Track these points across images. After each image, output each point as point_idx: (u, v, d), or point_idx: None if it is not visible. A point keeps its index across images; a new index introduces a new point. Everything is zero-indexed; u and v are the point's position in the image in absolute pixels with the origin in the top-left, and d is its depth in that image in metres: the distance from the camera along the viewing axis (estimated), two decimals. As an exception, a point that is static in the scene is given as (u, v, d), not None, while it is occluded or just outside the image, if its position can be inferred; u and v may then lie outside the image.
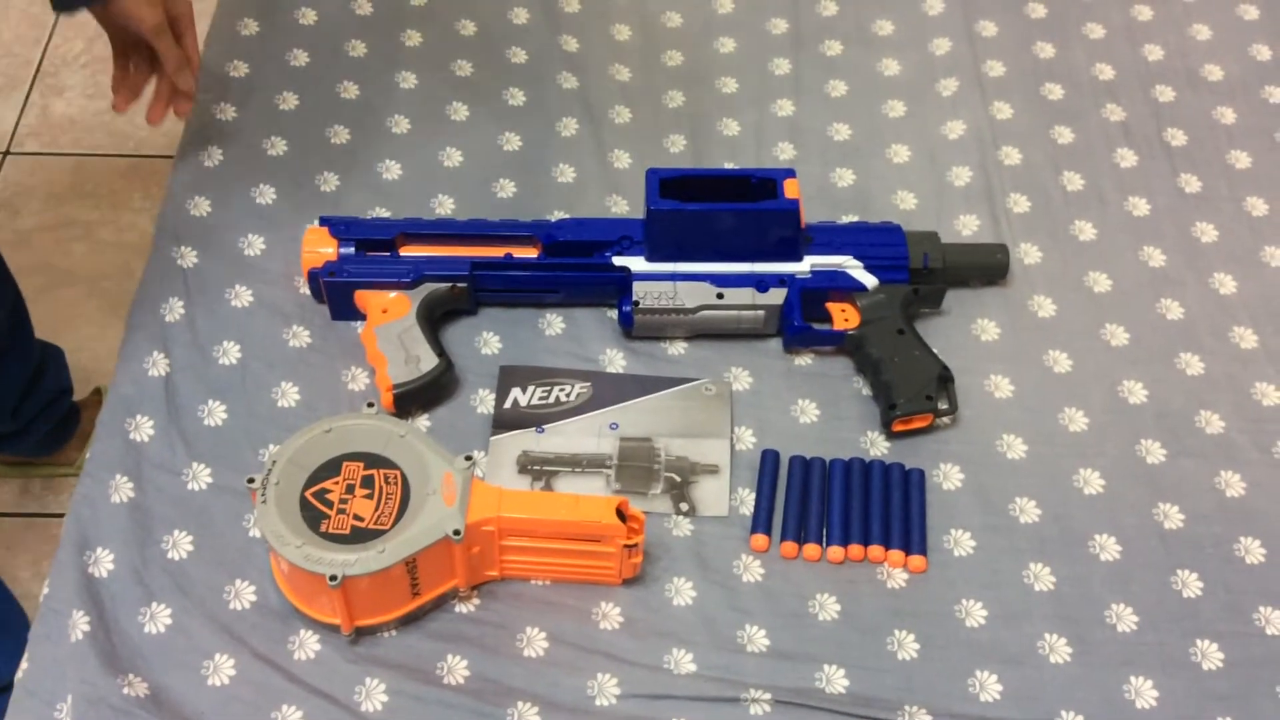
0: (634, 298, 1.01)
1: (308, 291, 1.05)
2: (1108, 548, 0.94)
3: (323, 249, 1.02)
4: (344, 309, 1.03)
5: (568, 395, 1.00)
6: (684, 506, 0.95)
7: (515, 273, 1.03)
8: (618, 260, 1.02)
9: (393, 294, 1.01)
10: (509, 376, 1.01)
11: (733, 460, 0.98)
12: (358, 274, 1.01)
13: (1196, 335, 1.07)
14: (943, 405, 0.99)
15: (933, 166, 1.18)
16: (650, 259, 1.02)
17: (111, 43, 1.03)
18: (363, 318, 1.02)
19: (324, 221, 1.04)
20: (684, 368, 1.03)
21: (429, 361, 0.98)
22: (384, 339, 0.99)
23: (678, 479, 0.96)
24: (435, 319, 1.02)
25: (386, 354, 0.98)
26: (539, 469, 0.96)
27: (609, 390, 1.01)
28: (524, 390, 1.00)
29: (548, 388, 1.00)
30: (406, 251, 1.03)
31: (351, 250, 1.02)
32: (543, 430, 0.98)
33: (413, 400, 0.98)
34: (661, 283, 1.02)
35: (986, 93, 1.24)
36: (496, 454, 0.97)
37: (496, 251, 1.03)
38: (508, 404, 1.00)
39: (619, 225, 1.04)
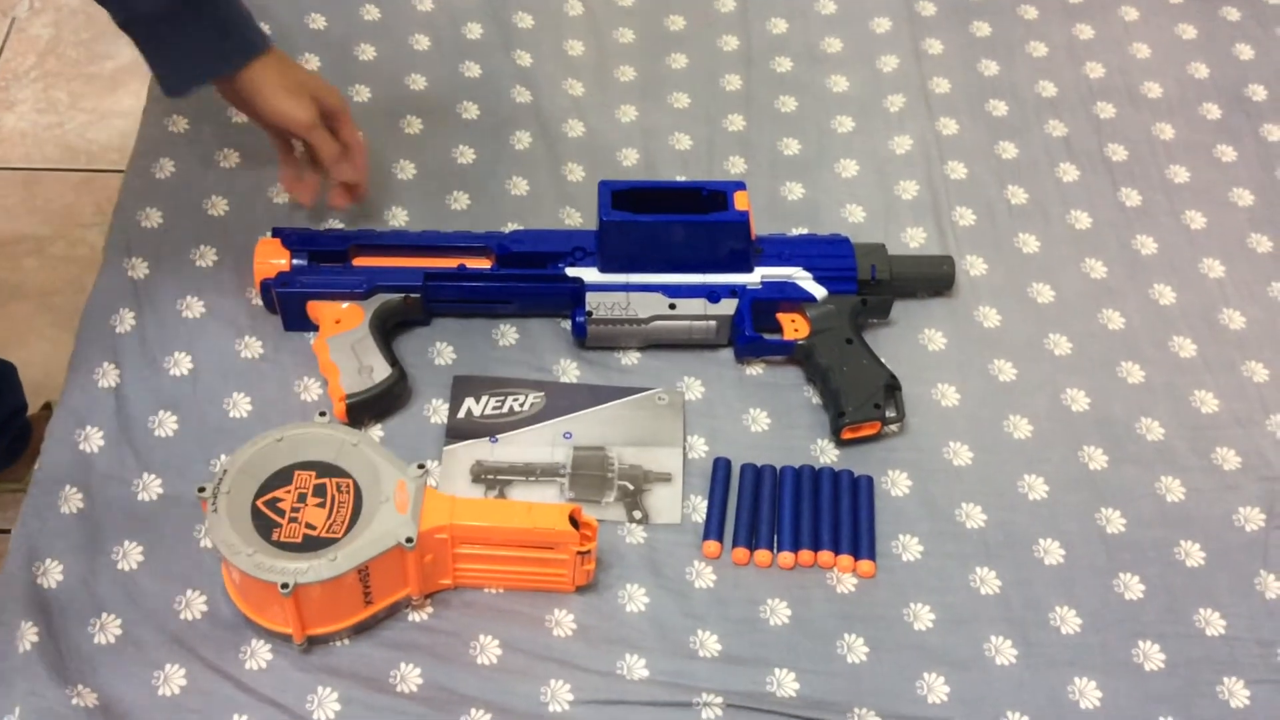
0: (587, 308, 1.02)
1: (260, 302, 1.05)
2: (1052, 552, 0.96)
3: (275, 260, 1.02)
4: (296, 319, 1.03)
5: (521, 405, 1.01)
6: (637, 514, 0.96)
7: (469, 284, 1.03)
8: (571, 271, 1.03)
9: (345, 305, 1.01)
10: (462, 386, 1.02)
11: (685, 468, 0.99)
12: (310, 285, 1.01)
13: (1137, 345, 1.09)
14: (890, 414, 1.00)
15: (880, 180, 1.20)
16: (603, 270, 1.03)
17: (267, 133, 1.04)
18: (315, 328, 1.02)
19: (276, 232, 1.04)
20: (637, 377, 1.04)
21: (381, 371, 0.98)
22: (336, 349, 0.99)
23: (631, 487, 0.97)
24: (388, 329, 1.03)
25: (339, 364, 0.98)
26: (493, 478, 0.97)
27: (562, 400, 1.01)
28: (477, 400, 1.01)
29: (501, 398, 1.01)
30: (360, 263, 1.03)
31: (304, 261, 1.02)
32: (496, 440, 0.99)
33: (366, 410, 0.98)
34: (614, 293, 1.03)
35: (933, 109, 1.26)
36: (450, 464, 0.97)
37: (450, 262, 1.03)
38: (461, 414, 1.00)
39: (572, 236, 1.05)
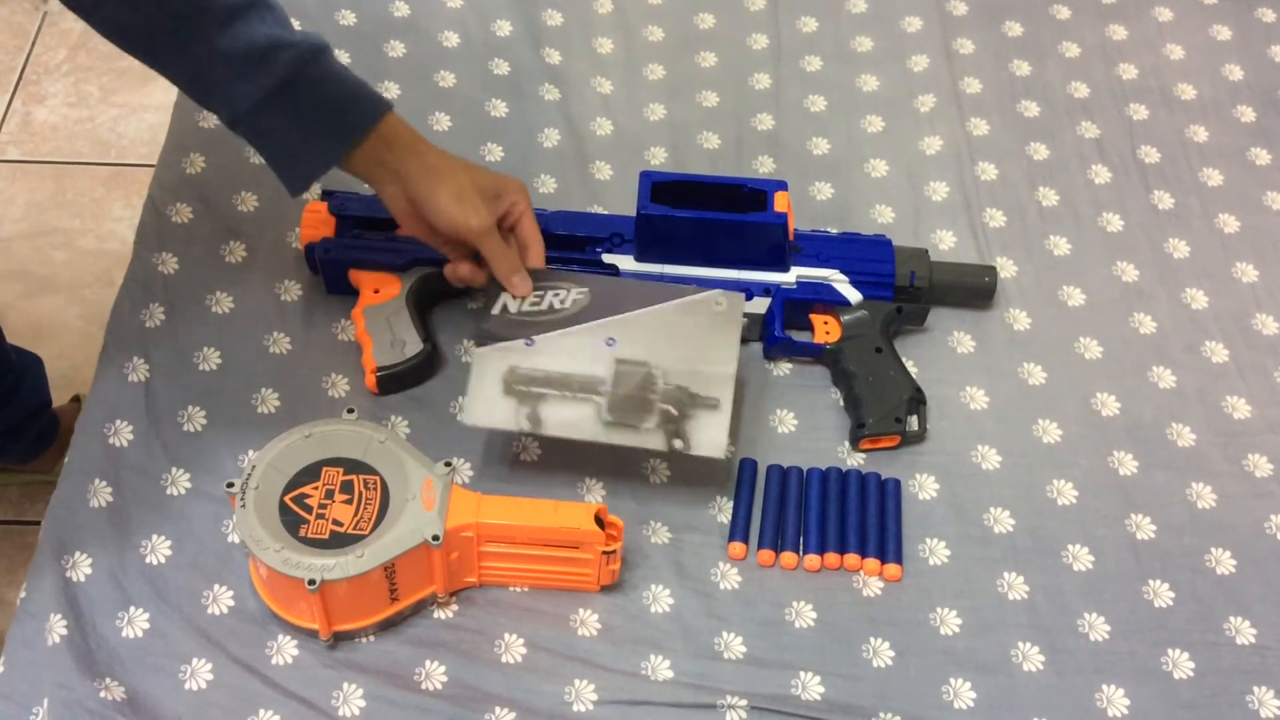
0: None
1: (288, 299, 1.05)
2: (1080, 558, 0.95)
3: (321, 224, 1.03)
4: (338, 284, 1.04)
5: (562, 302, 0.94)
6: (677, 443, 0.90)
7: None
8: (607, 258, 1.03)
9: (385, 275, 1.02)
10: None
11: (711, 467, 0.97)
12: (351, 254, 1.02)
13: (1169, 349, 1.08)
14: (912, 428, 1.00)
15: (910, 181, 1.19)
16: (638, 259, 1.03)
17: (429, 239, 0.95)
18: (357, 292, 1.03)
19: (325, 195, 1.05)
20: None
21: (414, 346, 0.99)
22: (371, 320, 1.00)
23: (674, 412, 0.91)
24: (426, 301, 1.03)
25: (373, 335, 0.99)
26: (525, 390, 0.91)
27: (608, 299, 0.94)
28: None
29: (541, 292, 0.94)
30: (404, 232, 1.00)
31: (351, 226, 1.03)
32: (532, 343, 0.93)
33: (396, 383, 0.99)
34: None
35: (963, 109, 1.25)
36: (481, 368, 0.92)
37: None
38: (496, 309, 0.94)
39: (612, 222, 1.05)
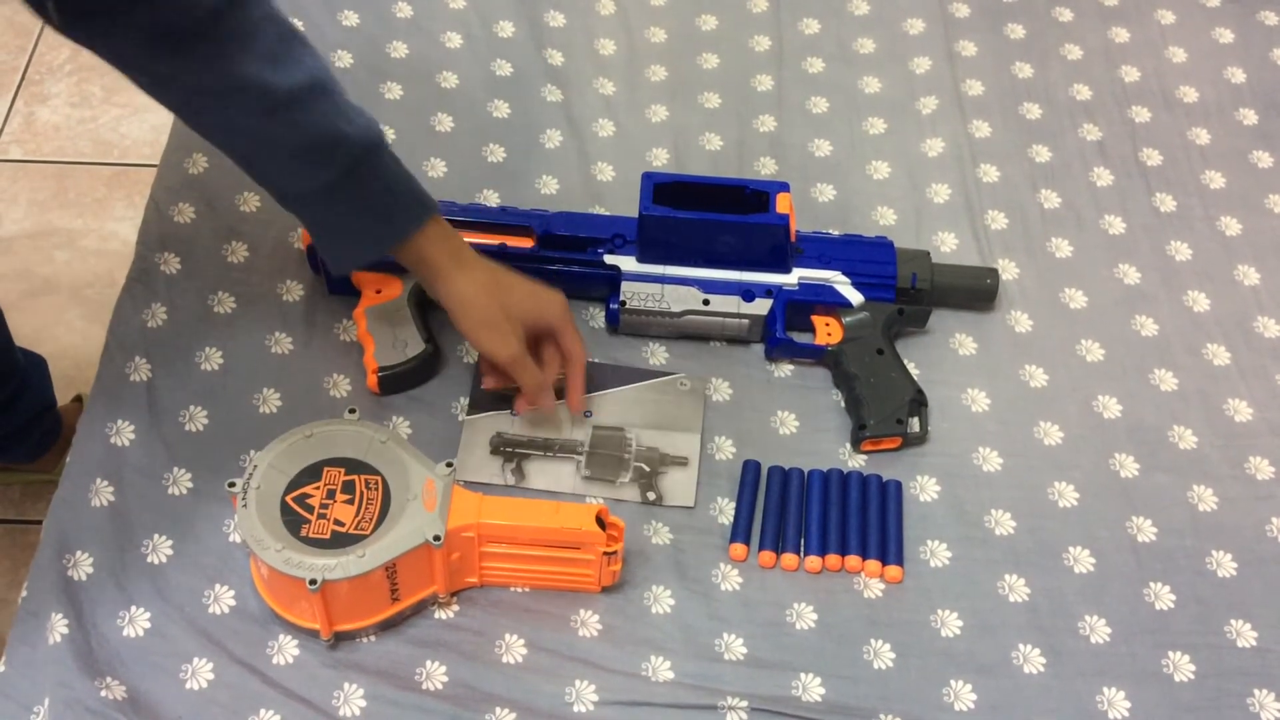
0: (621, 297, 1.02)
1: (290, 299, 1.05)
2: (1081, 560, 0.95)
3: None
4: (340, 284, 1.04)
5: None
6: (651, 495, 0.96)
7: (509, 263, 1.02)
8: (609, 259, 1.04)
9: (388, 275, 1.01)
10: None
11: (711, 468, 0.98)
12: None
13: (1170, 352, 1.08)
14: (914, 430, 1.00)
15: (912, 183, 1.19)
16: (640, 260, 1.04)
17: None
18: (358, 292, 1.03)
19: None
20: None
21: (415, 346, 0.99)
22: (373, 320, 1.00)
23: (647, 469, 0.97)
24: (427, 302, 1.02)
25: (375, 335, 0.99)
26: (511, 451, 0.97)
27: (586, 380, 1.00)
28: None
29: None
30: None
31: None
32: (517, 415, 0.99)
33: (398, 383, 0.99)
34: (649, 285, 1.03)
35: (966, 111, 1.25)
36: (470, 434, 0.98)
37: (492, 239, 1.03)
38: (486, 384, 1.00)
39: (614, 223, 1.05)
